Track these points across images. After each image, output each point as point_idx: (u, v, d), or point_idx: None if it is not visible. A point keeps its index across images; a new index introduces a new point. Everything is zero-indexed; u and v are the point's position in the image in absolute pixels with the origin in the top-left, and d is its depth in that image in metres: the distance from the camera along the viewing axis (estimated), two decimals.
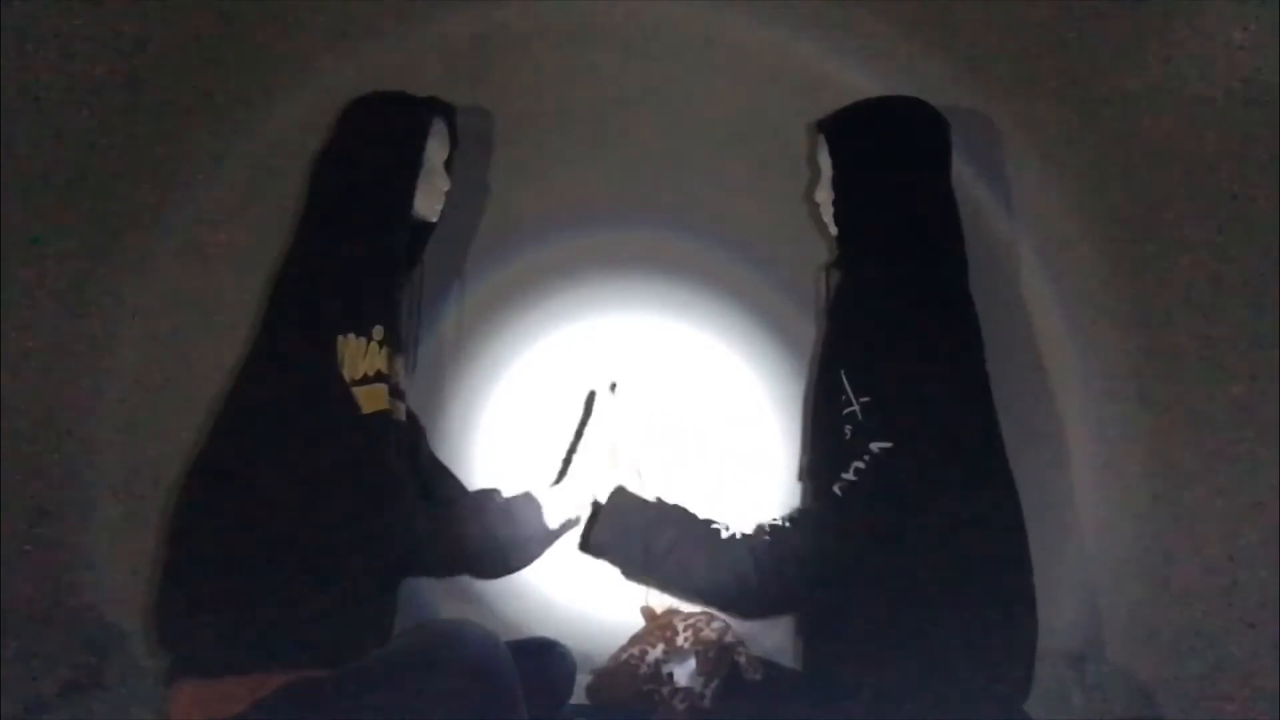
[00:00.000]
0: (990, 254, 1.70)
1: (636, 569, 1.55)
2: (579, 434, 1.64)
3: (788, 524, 1.51)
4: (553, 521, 1.55)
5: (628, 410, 1.61)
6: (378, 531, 1.38)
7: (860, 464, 1.40)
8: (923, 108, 1.57)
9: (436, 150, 1.61)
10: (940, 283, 1.49)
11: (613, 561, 1.57)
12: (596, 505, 1.57)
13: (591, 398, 1.64)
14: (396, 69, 1.73)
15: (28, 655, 1.57)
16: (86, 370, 1.69)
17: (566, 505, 1.57)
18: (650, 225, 1.76)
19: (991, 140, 1.73)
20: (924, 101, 1.57)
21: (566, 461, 1.65)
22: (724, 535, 1.49)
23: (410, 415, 1.59)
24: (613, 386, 1.63)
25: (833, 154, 1.56)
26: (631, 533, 1.52)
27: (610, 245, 1.76)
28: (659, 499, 1.57)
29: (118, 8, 1.73)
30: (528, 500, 1.56)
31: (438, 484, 1.62)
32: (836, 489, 1.42)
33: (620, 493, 1.56)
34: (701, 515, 1.55)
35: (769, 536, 1.50)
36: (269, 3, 1.76)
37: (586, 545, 1.58)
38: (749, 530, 1.51)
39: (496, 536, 1.53)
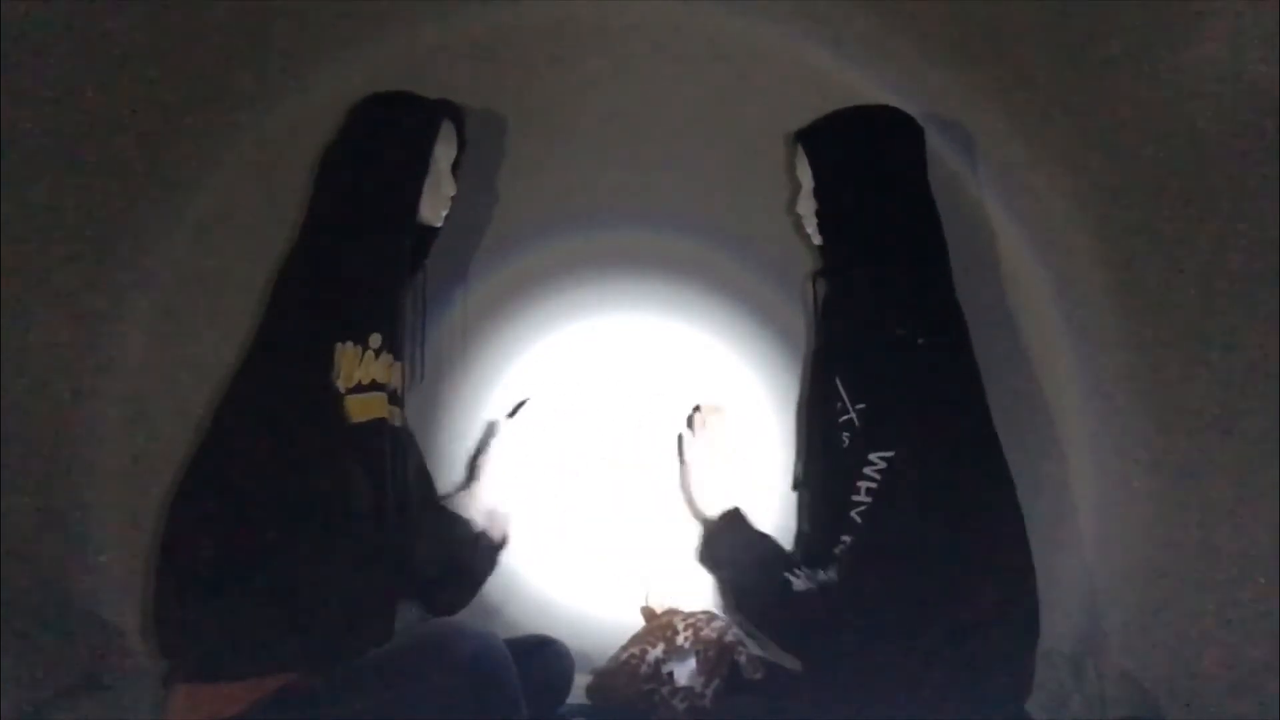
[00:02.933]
0: (988, 256, 1.70)
1: (732, 605, 1.59)
2: (485, 441, 1.66)
3: (834, 575, 1.42)
4: (481, 520, 1.58)
5: (536, 421, 1.65)
6: (370, 537, 1.37)
7: (870, 483, 1.39)
8: (896, 114, 1.57)
9: (444, 154, 1.58)
10: (926, 287, 1.49)
11: (722, 585, 1.61)
12: (711, 522, 1.58)
13: (519, 407, 1.67)
14: (401, 70, 1.73)
15: (28, 655, 1.57)
16: (87, 369, 1.69)
17: (481, 507, 1.59)
18: (650, 225, 1.76)
19: (988, 142, 1.73)
20: (897, 108, 1.58)
21: (472, 466, 1.66)
22: (796, 588, 1.43)
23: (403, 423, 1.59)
24: (526, 402, 1.68)
25: (813, 165, 1.57)
26: (726, 563, 1.54)
27: (610, 246, 1.75)
28: (761, 535, 1.55)
29: (120, 6, 1.73)
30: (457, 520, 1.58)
31: (422, 497, 1.61)
32: (855, 515, 1.40)
33: (731, 517, 1.55)
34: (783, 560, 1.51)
35: (821, 590, 1.42)
36: (274, 2, 1.76)
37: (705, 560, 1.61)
38: (810, 581, 1.44)
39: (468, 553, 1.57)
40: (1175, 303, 1.68)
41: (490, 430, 1.67)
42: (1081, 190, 1.72)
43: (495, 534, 1.60)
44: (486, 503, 1.59)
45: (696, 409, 1.67)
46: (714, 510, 1.57)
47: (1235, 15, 1.69)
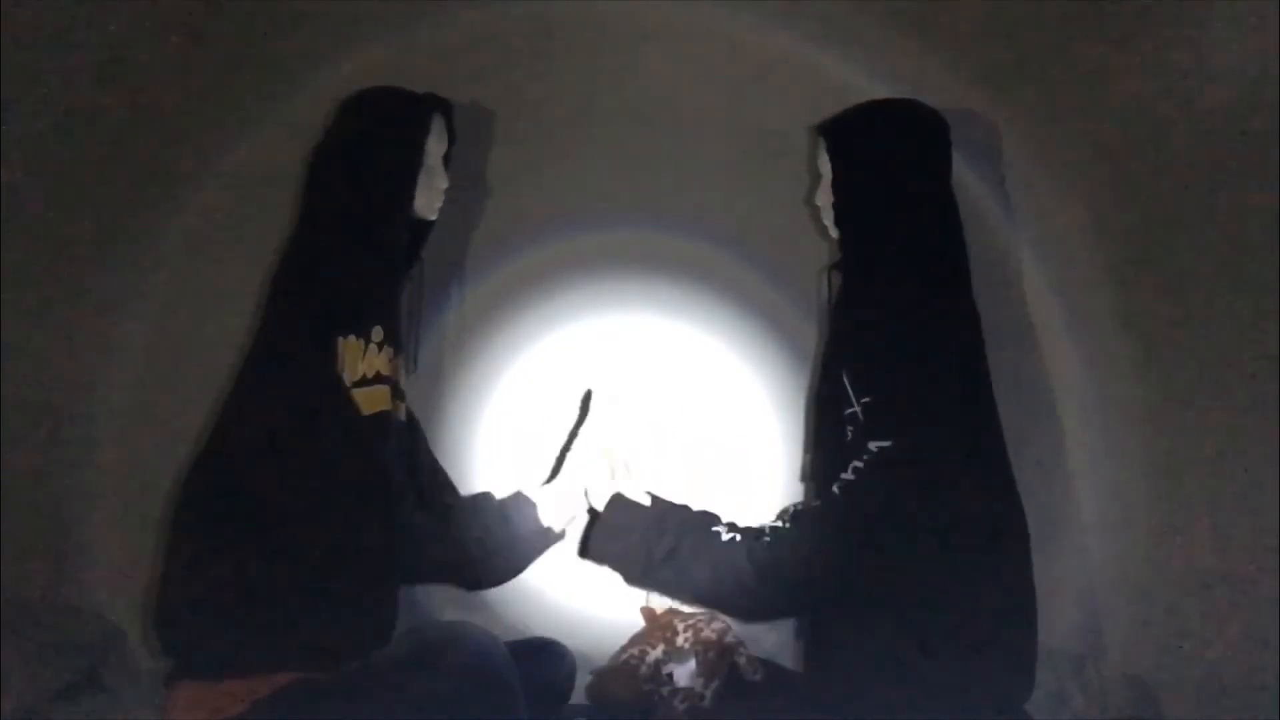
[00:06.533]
0: (990, 255, 1.70)
1: (636, 576, 1.51)
2: (573, 434, 1.62)
3: (786, 524, 1.48)
4: (548, 520, 1.56)
5: (622, 414, 1.59)
6: (375, 534, 1.37)
7: (859, 463, 1.40)
8: (921, 109, 1.56)
9: (435, 147, 1.59)
10: (941, 284, 1.49)
11: (613, 568, 1.54)
12: (595, 512, 1.55)
13: (588, 398, 1.63)
14: (397, 67, 1.73)
15: (28, 655, 1.57)
16: (87, 370, 1.69)
17: (560, 504, 1.57)
18: (651, 225, 1.76)
19: (992, 141, 1.73)
20: (922, 103, 1.57)
21: (559, 460, 1.64)
22: (724, 539, 1.44)
23: (410, 415, 1.59)
24: (592, 393, 1.62)
25: (832, 157, 1.57)
26: (630, 540, 1.49)
27: (611, 245, 1.76)
28: (658, 501, 1.53)
29: (118, 7, 1.73)
30: (522, 501, 1.56)
31: (434, 486, 1.61)
32: (835, 488, 1.41)
33: (618, 499, 1.52)
34: (701, 516, 1.50)
35: (768, 538, 1.45)
36: (272, 2, 1.76)
37: (585, 551, 1.56)
38: (749, 531, 1.46)
39: (493, 539, 1.54)
40: (1177, 302, 1.68)
41: (579, 422, 1.63)
42: (1082, 189, 1.72)
43: (557, 525, 1.57)
44: (566, 495, 1.56)
45: (589, 393, 1.61)
46: (600, 500, 1.53)
47: (1235, 16, 1.69)
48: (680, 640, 1.49)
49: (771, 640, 1.64)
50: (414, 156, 1.53)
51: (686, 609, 1.57)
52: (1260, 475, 1.62)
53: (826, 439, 1.55)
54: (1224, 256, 1.67)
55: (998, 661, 1.36)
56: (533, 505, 1.56)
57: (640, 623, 1.60)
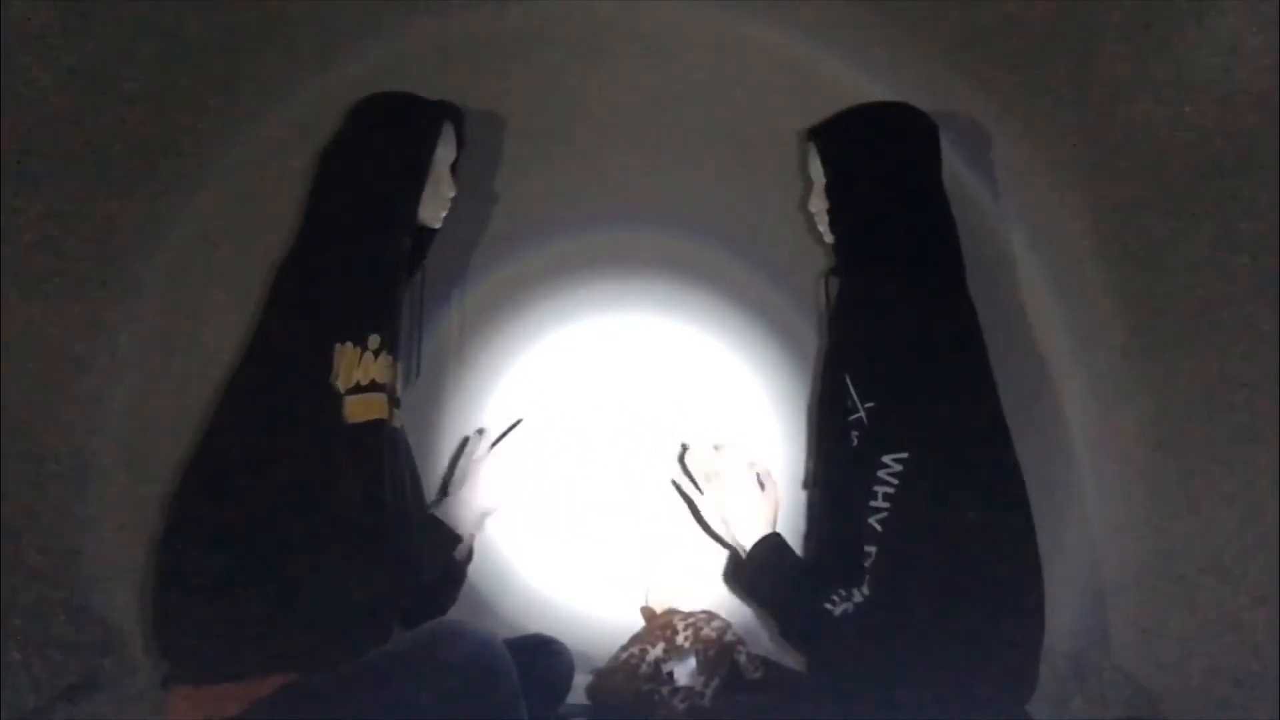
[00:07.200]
0: (989, 254, 1.70)
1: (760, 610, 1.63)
2: (461, 449, 1.66)
3: (866, 591, 1.40)
4: (461, 554, 1.55)
5: (527, 446, 1.61)
6: (368, 537, 1.37)
7: (886, 488, 1.38)
8: (909, 112, 1.57)
9: (444, 156, 1.59)
10: (938, 285, 1.49)
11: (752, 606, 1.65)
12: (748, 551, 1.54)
13: (516, 424, 1.65)
14: (399, 69, 1.73)
15: (28, 655, 1.57)
16: (87, 370, 1.69)
17: (471, 526, 1.55)
18: (651, 226, 1.76)
19: (990, 141, 1.73)
20: (910, 105, 1.58)
21: (454, 470, 1.65)
22: (835, 614, 1.39)
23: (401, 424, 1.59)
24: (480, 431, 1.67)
25: (824, 163, 1.57)
26: (763, 588, 1.51)
27: (610, 246, 1.76)
28: (787, 553, 1.52)
29: (119, 6, 1.73)
30: (445, 534, 1.51)
31: (416, 502, 1.59)
32: (875, 523, 1.39)
33: (771, 542, 1.52)
34: (816, 581, 1.46)
35: (857, 611, 1.39)
36: (272, 2, 1.76)
37: (732, 583, 1.65)
38: (846, 603, 1.40)
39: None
40: (1178, 302, 1.68)
41: (474, 441, 1.65)
42: (1077, 188, 1.72)
43: (461, 552, 1.56)
44: (465, 517, 1.54)
45: (685, 447, 1.65)
46: (749, 538, 1.53)
47: (1234, 15, 1.69)
48: (680, 639, 1.49)
49: (772, 640, 1.64)
50: (422, 164, 1.53)
51: (686, 608, 1.58)
52: (1260, 475, 1.62)
53: (830, 443, 1.55)
54: (1225, 254, 1.67)
55: (1000, 661, 1.35)
56: (455, 539, 1.51)
57: (640, 622, 1.61)
